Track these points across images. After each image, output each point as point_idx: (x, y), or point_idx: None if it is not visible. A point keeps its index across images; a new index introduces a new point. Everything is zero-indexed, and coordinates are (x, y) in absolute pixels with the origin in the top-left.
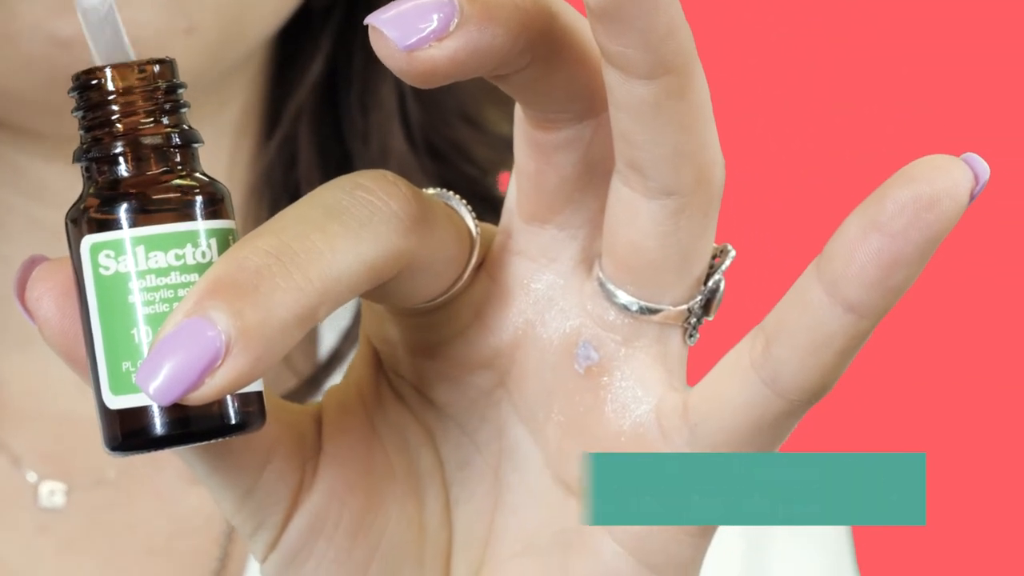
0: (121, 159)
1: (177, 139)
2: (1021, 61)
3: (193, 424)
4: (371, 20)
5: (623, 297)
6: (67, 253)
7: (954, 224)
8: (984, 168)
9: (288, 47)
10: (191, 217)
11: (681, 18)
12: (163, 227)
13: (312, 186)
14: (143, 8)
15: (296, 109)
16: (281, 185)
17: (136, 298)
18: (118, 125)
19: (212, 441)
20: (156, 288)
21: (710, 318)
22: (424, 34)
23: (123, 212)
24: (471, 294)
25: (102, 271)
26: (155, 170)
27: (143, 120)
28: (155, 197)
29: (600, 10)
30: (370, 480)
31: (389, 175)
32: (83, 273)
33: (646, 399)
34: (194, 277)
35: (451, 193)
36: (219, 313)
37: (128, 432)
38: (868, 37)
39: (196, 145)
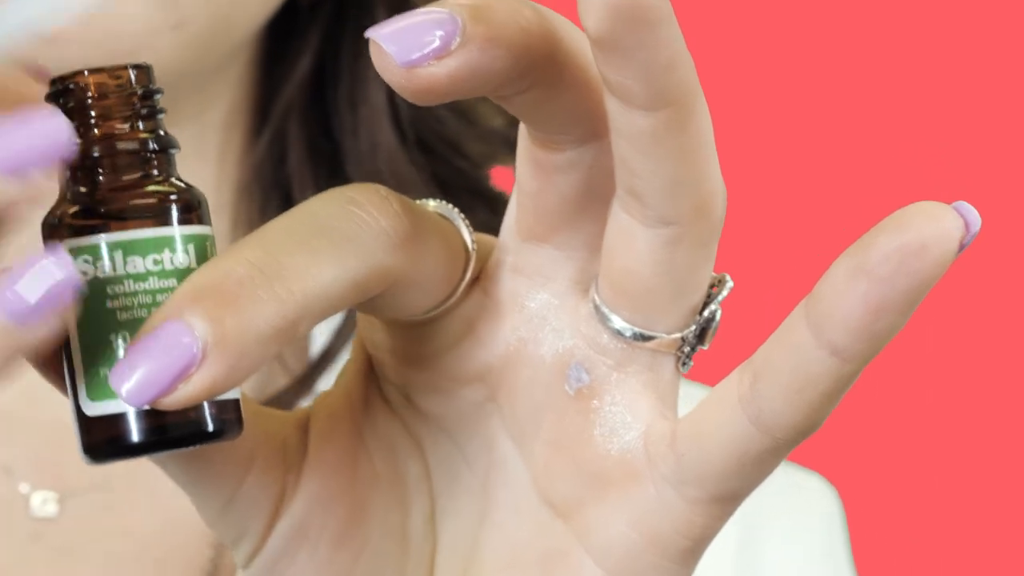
0: (97, 165)
1: (154, 144)
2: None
3: (170, 431)
4: (371, 34)
5: (617, 322)
6: None
7: (942, 273)
8: (975, 217)
9: (276, 43)
10: (168, 222)
11: (683, 50)
12: (140, 232)
13: (302, 183)
14: (132, 3)
15: (285, 105)
16: (271, 182)
17: (114, 303)
18: (95, 130)
19: (189, 448)
20: (134, 293)
21: (705, 347)
22: (424, 52)
23: (100, 218)
24: (465, 308)
25: (80, 276)
26: (132, 175)
27: (119, 126)
28: (132, 203)
29: (599, 40)
30: (355, 489)
31: (383, 190)
32: None
33: (635, 425)
34: (172, 283)
35: (451, 207)
36: (198, 319)
37: (104, 439)
38: (865, 49)
39: (173, 151)
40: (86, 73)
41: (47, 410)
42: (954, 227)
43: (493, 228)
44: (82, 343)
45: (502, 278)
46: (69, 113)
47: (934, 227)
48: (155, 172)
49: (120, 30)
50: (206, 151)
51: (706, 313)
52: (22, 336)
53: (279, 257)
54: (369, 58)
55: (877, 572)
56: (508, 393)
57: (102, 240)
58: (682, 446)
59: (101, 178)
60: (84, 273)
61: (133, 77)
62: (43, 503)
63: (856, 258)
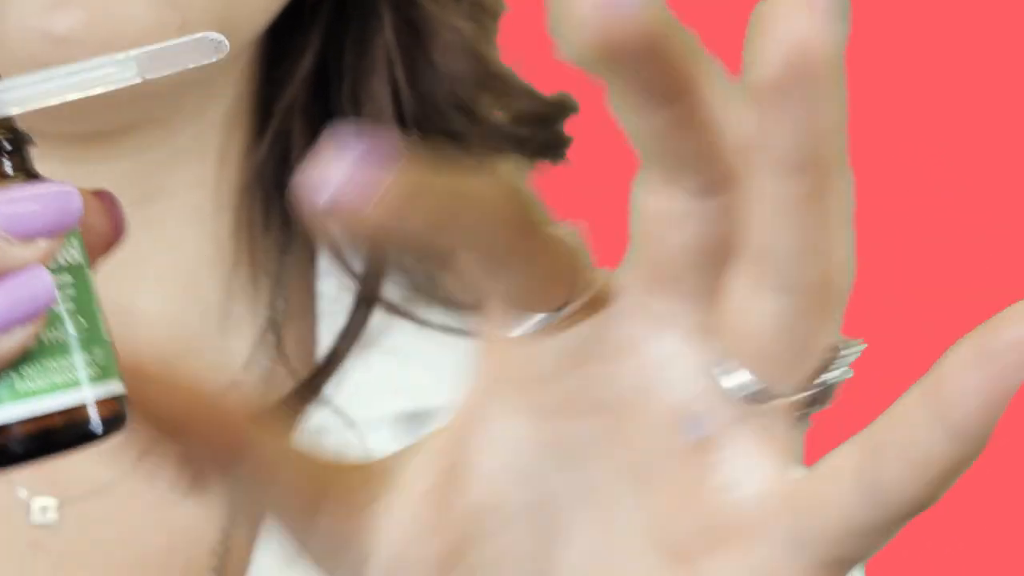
0: None
1: (6, 144)
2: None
3: (53, 437)
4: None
5: (734, 380)
6: None
7: None
8: None
9: (278, 42)
10: None
11: (846, 111)
12: None
13: None
14: (136, 4)
15: (288, 104)
16: (273, 182)
17: None
18: None
19: (74, 451)
20: None
21: (824, 408)
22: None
23: None
24: (579, 345)
25: None
26: None
27: None
28: None
29: (765, 87)
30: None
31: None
32: None
33: (749, 481)
34: None
35: (577, 231)
36: None
37: None
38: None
39: (28, 147)
40: None
41: None
42: None
43: None
44: None
45: (619, 321)
46: None
47: None
48: (8, 172)
49: (125, 31)
50: (206, 151)
51: (825, 378)
52: None
53: None
54: (372, 56)
55: (879, 572)
56: (622, 437)
57: None
58: (794, 509)
59: None
60: None
61: None
62: (43, 511)
63: (980, 343)
